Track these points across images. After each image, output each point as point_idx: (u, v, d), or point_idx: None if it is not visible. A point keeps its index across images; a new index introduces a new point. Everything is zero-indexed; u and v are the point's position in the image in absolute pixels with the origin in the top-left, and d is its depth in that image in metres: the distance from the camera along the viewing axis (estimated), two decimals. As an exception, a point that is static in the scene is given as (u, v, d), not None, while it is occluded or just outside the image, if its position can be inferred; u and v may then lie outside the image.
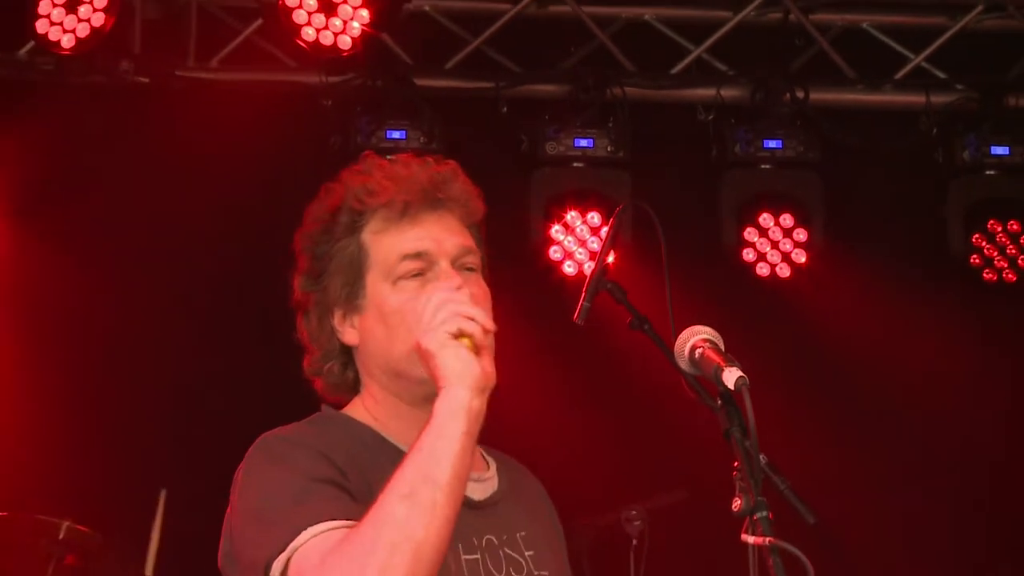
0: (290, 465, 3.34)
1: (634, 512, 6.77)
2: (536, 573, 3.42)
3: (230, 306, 7.59)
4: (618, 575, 6.83)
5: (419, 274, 3.34)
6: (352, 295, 3.40)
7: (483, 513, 3.36)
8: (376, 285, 3.37)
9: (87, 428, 7.38)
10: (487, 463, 3.51)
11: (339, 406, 3.56)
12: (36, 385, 7.46)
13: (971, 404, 7.81)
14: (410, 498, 3.18)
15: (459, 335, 3.21)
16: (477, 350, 3.20)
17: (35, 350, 7.60)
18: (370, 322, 3.41)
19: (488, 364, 3.22)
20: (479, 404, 3.18)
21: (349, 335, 3.42)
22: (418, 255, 3.35)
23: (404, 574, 3.12)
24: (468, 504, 3.34)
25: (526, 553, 3.46)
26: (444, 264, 3.32)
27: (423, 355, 3.25)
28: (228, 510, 3.36)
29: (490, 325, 3.26)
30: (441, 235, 3.36)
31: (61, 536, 6.26)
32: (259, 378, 6.87)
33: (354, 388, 3.54)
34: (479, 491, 3.40)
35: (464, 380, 3.21)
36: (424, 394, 3.30)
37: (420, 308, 3.28)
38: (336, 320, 3.43)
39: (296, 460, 3.36)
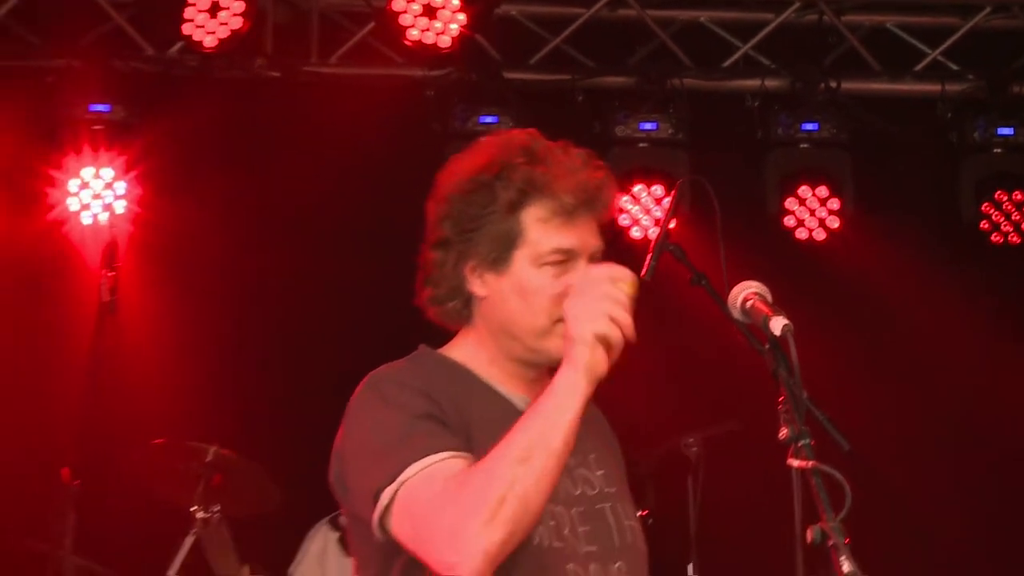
0: (396, 403, 3.59)
1: (692, 440, 7.11)
2: (606, 490, 3.72)
3: (344, 259, 8.01)
4: (678, 496, 7.15)
5: (560, 263, 3.58)
6: (497, 261, 3.60)
7: None
8: (522, 262, 3.56)
9: (230, 365, 7.98)
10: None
11: (437, 345, 3.85)
12: (188, 329, 8.06)
13: (983, 354, 8.25)
14: (526, 461, 3.42)
15: (601, 336, 3.44)
16: (608, 350, 3.43)
17: (188, 297, 8.12)
18: (505, 289, 3.61)
19: (609, 364, 3.48)
20: (591, 394, 3.45)
21: (478, 287, 3.61)
22: (568, 251, 3.58)
23: (509, 526, 3.39)
24: None
25: (597, 473, 3.76)
26: (583, 261, 3.54)
27: (566, 332, 3.49)
28: (339, 435, 3.69)
29: (631, 336, 3.45)
30: (588, 237, 3.55)
31: (209, 459, 6.70)
32: (372, 322, 7.18)
33: (463, 324, 3.79)
34: None
35: (592, 373, 3.42)
36: (530, 360, 3.64)
37: (579, 291, 3.51)
38: (468, 269, 3.61)
39: (401, 398, 3.60)
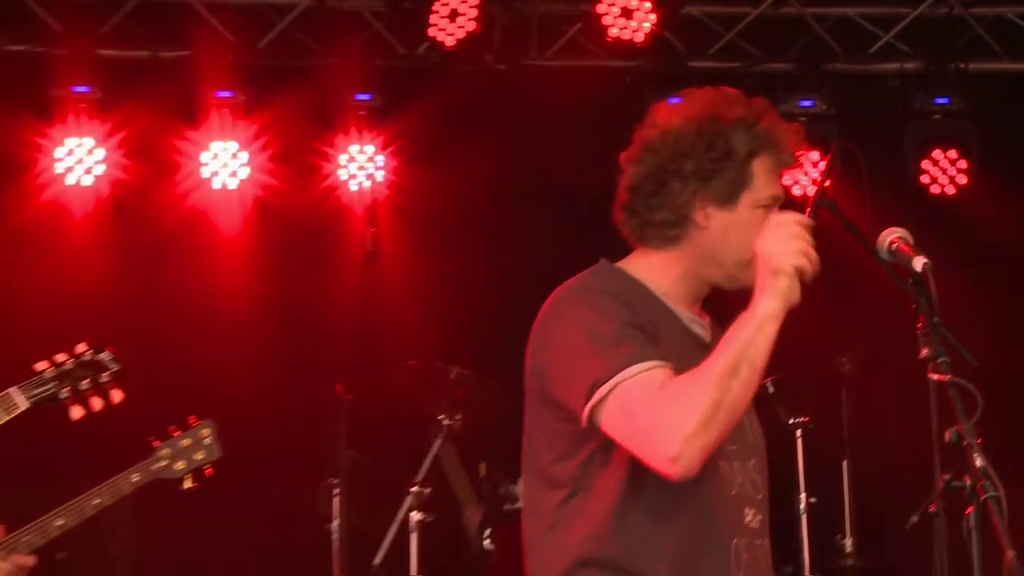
0: (605, 310, 3.82)
1: (845, 359, 7.66)
2: None
3: (557, 214, 8.85)
4: (833, 405, 7.73)
5: (769, 207, 3.85)
6: (727, 200, 3.86)
7: (707, 350, 3.77)
8: (746, 203, 3.84)
9: (468, 301, 8.78)
10: (705, 314, 4.07)
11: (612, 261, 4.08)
12: (434, 272, 8.93)
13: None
14: (735, 375, 3.66)
15: (798, 269, 3.71)
16: (801, 282, 3.71)
17: (433, 247, 9.02)
18: (726, 223, 3.86)
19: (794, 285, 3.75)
20: (783, 315, 3.75)
21: (702, 218, 3.85)
22: (777, 198, 3.88)
23: (720, 428, 3.68)
24: (699, 343, 3.89)
25: None
26: (777, 206, 3.89)
27: (765, 264, 3.78)
28: (541, 335, 3.95)
29: (816, 271, 3.80)
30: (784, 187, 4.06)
31: (452, 377, 7.44)
32: (574, 262, 7.67)
33: (662, 246, 3.97)
34: (704, 334, 3.92)
35: (787, 300, 3.70)
36: (725, 285, 3.95)
37: (774, 232, 3.80)
38: (699, 201, 3.86)
39: (608, 306, 3.83)
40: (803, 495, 7.52)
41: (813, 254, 3.69)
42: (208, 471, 5.60)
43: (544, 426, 3.92)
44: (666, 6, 8.29)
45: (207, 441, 5.64)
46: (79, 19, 8.58)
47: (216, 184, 8.79)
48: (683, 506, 3.85)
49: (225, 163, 8.79)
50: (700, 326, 3.92)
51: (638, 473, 3.77)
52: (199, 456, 5.59)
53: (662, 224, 3.88)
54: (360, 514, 7.34)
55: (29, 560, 5.24)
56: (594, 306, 3.82)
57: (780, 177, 3.94)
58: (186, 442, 5.60)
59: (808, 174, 8.76)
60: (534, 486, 4.08)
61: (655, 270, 3.96)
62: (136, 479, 5.49)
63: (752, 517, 3.98)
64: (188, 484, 5.56)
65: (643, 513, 3.83)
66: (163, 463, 5.53)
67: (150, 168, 8.84)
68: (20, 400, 4.82)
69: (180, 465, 5.57)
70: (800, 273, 3.63)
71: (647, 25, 8.17)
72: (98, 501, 5.47)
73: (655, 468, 3.64)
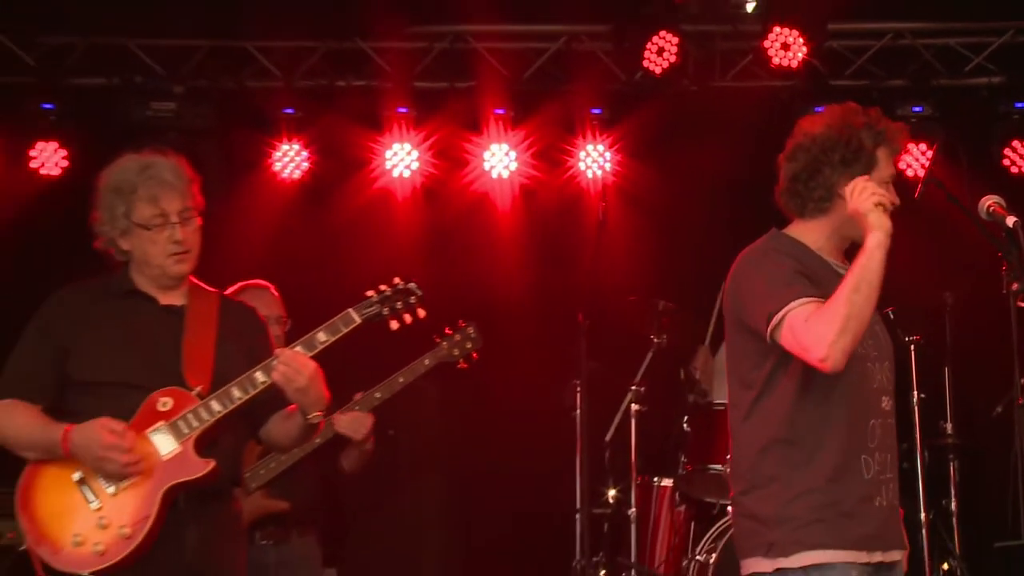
0: (780, 263, 4.38)
1: (948, 294, 8.43)
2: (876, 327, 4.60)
3: (734, 196, 9.19)
4: (938, 329, 8.43)
5: (887, 184, 4.40)
6: (861, 174, 4.38)
7: None
8: (874, 180, 4.34)
9: (669, 252, 9.60)
10: (847, 261, 4.40)
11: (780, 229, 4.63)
12: (647, 234, 9.59)
13: None
14: (858, 291, 4.17)
15: (879, 204, 4.24)
16: (887, 214, 4.21)
17: (645, 217, 9.69)
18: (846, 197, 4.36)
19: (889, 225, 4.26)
20: (887, 242, 4.19)
21: (845, 193, 4.36)
22: (892, 178, 4.44)
23: (853, 333, 4.20)
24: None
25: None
26: (892, 183, 4.42)
27: (860, 216, 4.27)
28: (737, 280, 4.52)
29: (896, 200, 4.34)
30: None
31: (660, 308, 8.37)
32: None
33: (813, 215, 4.53)
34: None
35: (883, 228, 4.21)
36: (857, 238, 4.37)
37: (853, 196, 4.36)
38: (843, 180, 4.40)
39: (781, 260, 4.39)
40: (915, 392, 8.16)
41: (884, 194, 4.28)
42: (474, 356, 6.49)
43: (741, 345, 4.55)
44: (814, 41, 8.81)
45: (472, 335, 6.54)
46: (401, 62, 9.50)
47: (494, 174, 9.71)
48: (839, 397, 4.36)
49: (501, 159, 9.69)
50: (844, 269, 4.38)
51: (807, 376, 4.34)
52: (468, 345, 6.51)
53: (820, 199, 4.46)
54: (595, 404, 7.83)
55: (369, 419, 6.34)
56: (771, 260, 4.43)
57: (895, 162, 4.55)
58: (458, 337, 6.54)
59: (919, 161, 9.26)
60: (735, 387, 4.62)
61: (811, 233, 4.53)
62: (427, 362, 6.52)
63: (886, 403, 4.48)
64: (462, 365, 6.51)
65: (810, 404, 4.38)
66: (444, 351, 6.51)
67: (449, 164, 9.83)
68: (356, 317, 5.07)
69: (456, 352, 6.53)
70: (882, 208, 4.25)
71: (800, 55, 8.79)
72: (402, 379, 6.50)
73: (815, 367, 4.22)
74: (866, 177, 4.33)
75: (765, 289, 4.38)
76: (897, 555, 4.49)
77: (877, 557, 4.40)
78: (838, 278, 4.31)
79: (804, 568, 4.28)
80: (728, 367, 4.70)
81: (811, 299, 4.25)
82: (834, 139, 4.47)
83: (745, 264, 4.53)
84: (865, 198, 4.29)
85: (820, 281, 4.35)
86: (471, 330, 6.49)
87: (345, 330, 5.01)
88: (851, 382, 4.36)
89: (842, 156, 4.45)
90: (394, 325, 5.14)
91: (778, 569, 4.33)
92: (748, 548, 4.48)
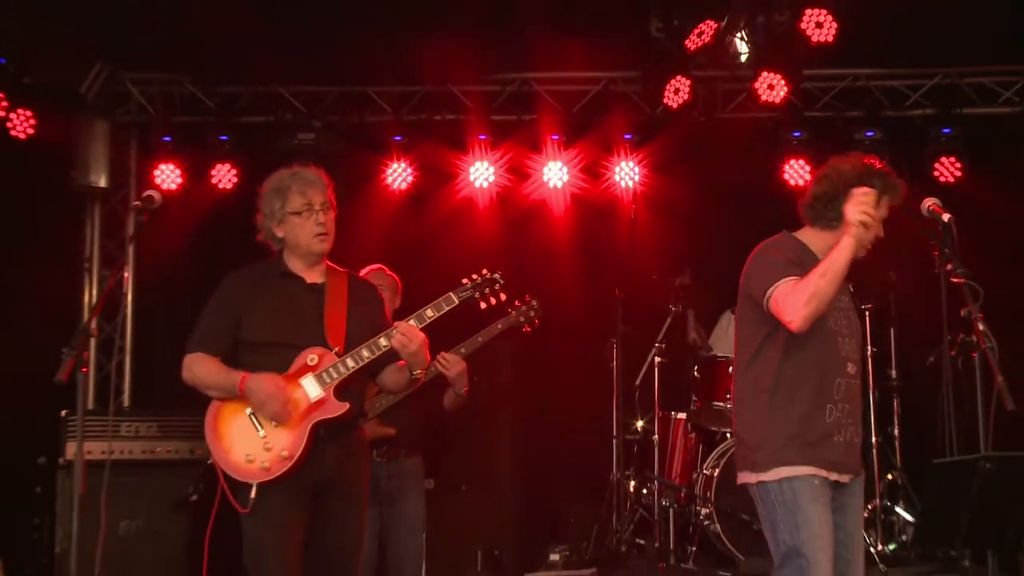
0: (779, 256, 4.50)
1: (892, 272, 8.01)
2: (847, 305, 4.66)
3: (745, 205, 8.94)
4: (885, 300, 8.05)
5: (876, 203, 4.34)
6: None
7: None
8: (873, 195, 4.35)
9: (687, 242, 9.24)
10: None
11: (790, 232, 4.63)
12: (668, 229, 9.30)
13: None
14: (824, 276, 4.26)
15: (862, 223, 4.27)
16: (867, 229, 4.27)
17: (668, 215, 9.32)
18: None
19: (870, 238, 4.33)
20: (855, 249, 4.28)
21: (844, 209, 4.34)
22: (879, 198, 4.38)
23: (815, 305, 4.27)
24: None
25: (843, 298, 4.64)
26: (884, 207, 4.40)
27: (847, 221, 4.31)
28: (750, 267, 4.58)
29: (881, 234, 4.39)
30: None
31: (677, 284, 8.35)
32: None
33: (816, 223, 4.60)
34: None
35: (857, 240, 4.30)
36: (835, 240, 4.36)
37: (851, 202, 4.35)
38: (844, 199, 4.40)
39: (781, 253, 4.51)
40: (868, 347, 7.96)
41: (873, 215, 4.34)
42: (536, 322, 6.27)
43: (747, 313, 4.62)
44: (792, 83, 8.52)
45: (535, 306, 6.30)
46: (481, 100, 9.49)
47: (550, 185, 9.60)
48: (813, 361, 4.44)
49: (556, 173, 9.57)
50: None
51: (789, 343, 4.44)
52: (532, 314, 6.27)
53: (831, 218, 4.52)
54: (627, 358, 8.15)
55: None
56: (773, 252, 4.55)
57: (891, 208, 4.56)
58: (524, 308, 6.28)
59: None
60: (740, 346, 4.69)
61: (814, 239, 4.59)
62: (500, 326, 6.36)
63: (852, 368, 4.52)
64: (526, 329, 6.29)
65: (790, 365, 4.46)
66: (513, 318, 6.30)
67: (517, 177, 9.71)
68: (455, 298, 5.10)
69: (522, 319, 6.29)
70: (863, 224, 4.32)
71: (782, 93, 8.48)
72: (481, 339, 6.38)
73: (786, 325, 4.35)
74: (871, 192, 4.36)
75: (765, 272, 4.48)
76: (848, 478, 4.56)
77: (834, 477, 4.48)
78: None
79: (778, 480, 4.42)
80: (736, 330, 4.74)
81: (795, 278, 4.35)
82: (853, 177, 4.49)
83: (757, 254, 4.59)
84: (859, 211, 4.32)
85: (812, 267, 4.44)
86: (535, 303, 6.32)
87: (447, 308, 5.09)
88: (823, 350, 4.44)
89: (839, 184, 4.52)
90: (483, 306, 5.26)
91: (760, 481, 4.48)
92: (740, 466, 4.63)
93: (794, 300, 4.29)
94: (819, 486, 4.39)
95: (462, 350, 6.42)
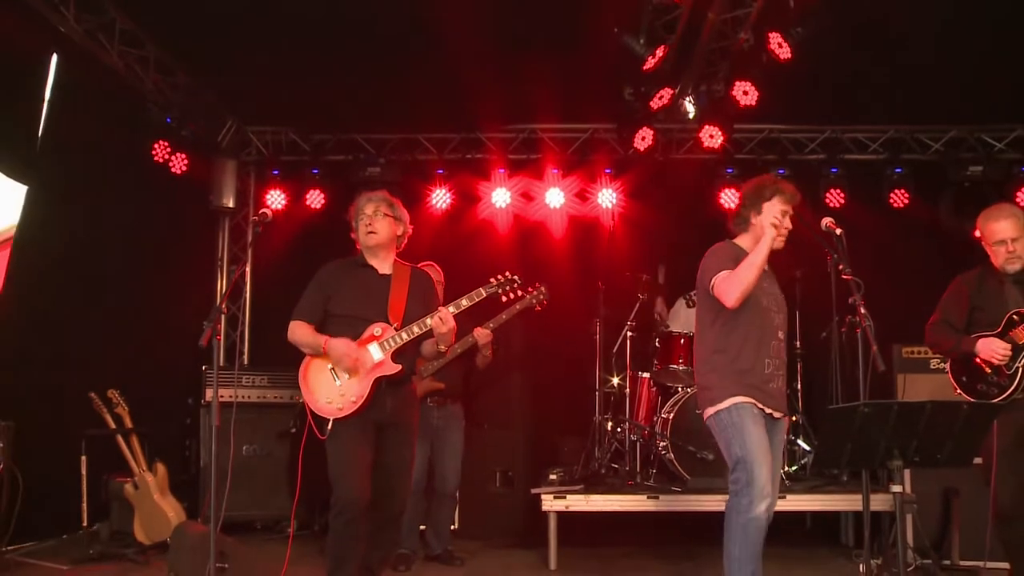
0: (722, 256, 4.51)
1: (798, 271, 7.40)
2: (775, 291, 4.64)
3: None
4: (791, 294, 7.02)
5: (785, 214, 4.39)
6: (760, 211, 4.47)
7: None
8: (768, 213, 4.44)
9: (652, 249, 8.82)
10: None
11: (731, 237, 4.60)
12: (639, 238, 8.93)
13: None
14: (748, 267, 4.31)
15: (775, 227, 4.33)
16: (777, 233, 4.33)
17: (636, 228, 8.99)
18: (760, 220, 4.48)
19: (779, 242, 4.34)
20: (771, 245, 4.32)
21: (755, 219, 4.46)
22: (785, 213, 4.39)
23: (743, 288, 4.30)
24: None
25: (770, 286, 4.63)
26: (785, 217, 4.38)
27: (762, 228, 4.39)
28: (704, 262, 4.53)
29: (789, 226, 4.36)
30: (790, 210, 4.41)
31: (643, 279, 7.84)
32: None
33: (742, 231, 4.59)
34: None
35: (770, 243, 4.37)
36: (756, 239, 4.45)
37: (765, 215, 4.44)
38: (754, 214, 4.51)
39: (723, 253, 4.54)
40: None
41: (780, 219, 4.42)
42: (544, 303, 6.05)
43: (703, 298, 4.61)
44: (726, 134, 8.06)
45: (543, 291, 6.07)
46: (502, 143, 9.25)
47: (551, 206, 9.27)
48: (752, 330, 4.47)
49: (555, 197, 9.21)
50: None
51: (733, 319, 4.46)
52: (541, 297, 6.05)
53: (744, 225, 4.63)
54: (607, 332, 7.88)
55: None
56: (719, 253, 4.57)
57: (786, 203, 4.54)
58: (533, 291, 6.07)
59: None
60: (699, 323, 4.68)
61: (743, 241, 4.63)
62: (518, 307, 6.16)
63: (781, 335, 4.56)
64: (537, 309, 6.07)
65: (735, 334, 4.48)
66: (527, 301, 6.08)
67: (526, 201, 9.41)
68: (484, 292, 5.03)
69: (534, 302, 6.07)
70: (773, 226, 4.39)
71: (719, 141, 8.07)
72: (505, 316, 6.23)
73: (726, 305, 4.39)
74: (778, 207, 4.42)
75: (711, 268, 4.52)
76: (780, 414, 4.58)
77: (768, 410, 4.49)
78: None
79: (728, 408, 4.43)
80: (697, 310, 4.73)
81: (728, 271, 4.39)
82: (755, 189, 4.61)
83: (706, 256, 4.60)
84: (768, 219, 4.44)
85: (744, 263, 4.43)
86: (543, 288, 6.14)
87: (477, 299, 5.04)
88: (759, 322, 4.48)
89: (752, 201, 4.59)
90: (504, 298, 5.19)
91: (716, 411, 4.48)
92: (703, 404, 4.60)
93: (727, 286, 4.35)
94: (758, 415, 4.39)
95: (491, 325, 6.32)
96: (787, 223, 4.44)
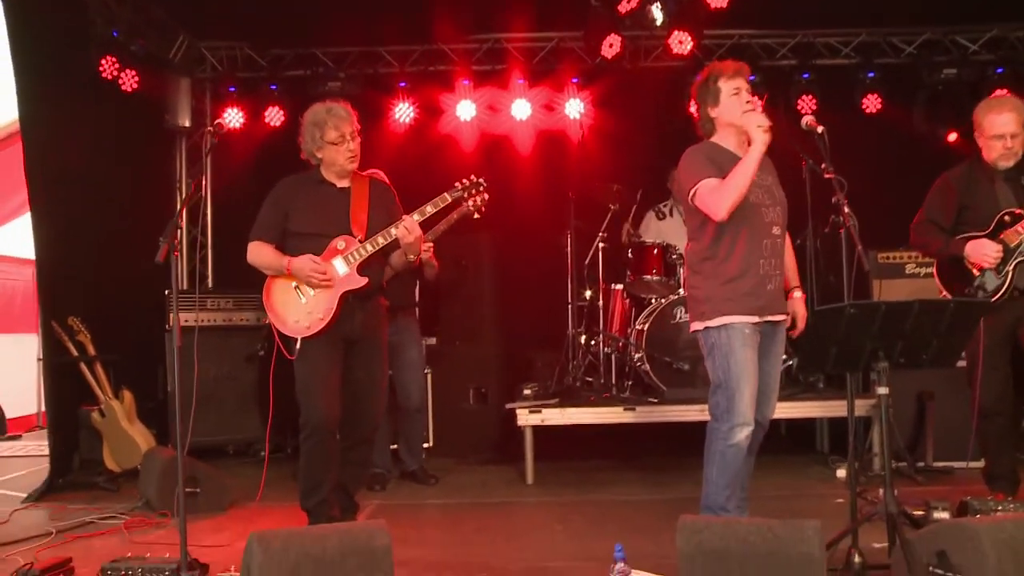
0: (701, 158, 4.28)
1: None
2: (770, 182, 4.38)
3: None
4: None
5: (737, 95, 4.21)
6: (716, 101, 4.26)
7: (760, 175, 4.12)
8: (723, 95, 4.23)
9: (620, 158, 8.69)
10: (746, 150, 4.11)
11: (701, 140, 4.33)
12: (605, 148, 8.71)
13: None
14: (741, 175, 4.07)
15: (764, 130, 4.07)
16: (766, 132, 4.04)
17: (605, 137, 8.80)
18: (719, 111, 4.27)
19: (767, 138, 4.03)
20: (763, 151, 4.06)
21: (714, 113, 4.29)
22: (738, 89, 4.24)
23: (734, 197, 4.07)
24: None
25: (767, 178, 4.36)
26: (740, 93, 4.18)
27: (752, 131, 4.10)
28: (679, 168, 4.31)
29: (768, 126, 4.05)
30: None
31: (615, 189, 7.75)
32: None
33: (711, 130, 4.34)
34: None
35: (764, 144, 4.10)
36: (743, 139, 4.18)
37: (752, 119, 4.04)
38: (709, 107, 4.30)
39: (701, 157, 4.29)
40: None
41: (768, 124, 4.14)
42: (482, 209, 5.16)
43: (686, 207, 4.42)
44: (696, 39, 8.01)
45: (481, 183, 5.19)
46: (465, 55, 8.85)
47: (518, 118, 8.96)
48: (744, 229, 4.25)
49: (523, 108, 8.94)
50: (741, 155, 4.20)
51: (724, 224, 4.25)
52: (475, 195, 5.13)
53: (712, 122, 4.40)
54: (579, 244, 7.71)
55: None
56: (696, 155, 4.33)
57: (735, 81, 4.29)
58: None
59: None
60: (688, 227, 4.52)
61: (720, 137, 4.39)
62: (455, 216, 5.98)
63: (776, 231, 4.32)
64: (476, 216, 5.27)
65: (725, 236, 4.27)
66: (466, 209, 5.27)
67: (491, 116, 9.15)
68: (448, 197, 4.87)
69: (471, 207, 5.19)
70: (765, 131, 4.13)
71: (688, 47, 8.01)
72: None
73: (713, 219, 4.22)
74: (730, 88, 4.17)
75: (690, 170, 4.28)
76: (779, 317, 4.41)
77: (767, 317, 4.32)
78: (736, 161, 4.17)
79: (717, 327, 4.25)
80: (684, 217, 4.60)
81: (714, 179, 4.16)
82: (700, 90, 4.40)
83: (685, 155, 4.38)
84: (754, 123, 4.14)
85: (722, 166, 4.21)
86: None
87: (442, 205, 4.89)
88: (750, 220, 4.23)
89: (704, 97, 4.37)
90: (469, 204, 5.08)
91: (706, 327, 4.31)
92: (692, 317, 4.44)
93: (716, 199, 4.10)
94: (749, 334, 4.22)
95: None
96: (750, 97, 4.27)
